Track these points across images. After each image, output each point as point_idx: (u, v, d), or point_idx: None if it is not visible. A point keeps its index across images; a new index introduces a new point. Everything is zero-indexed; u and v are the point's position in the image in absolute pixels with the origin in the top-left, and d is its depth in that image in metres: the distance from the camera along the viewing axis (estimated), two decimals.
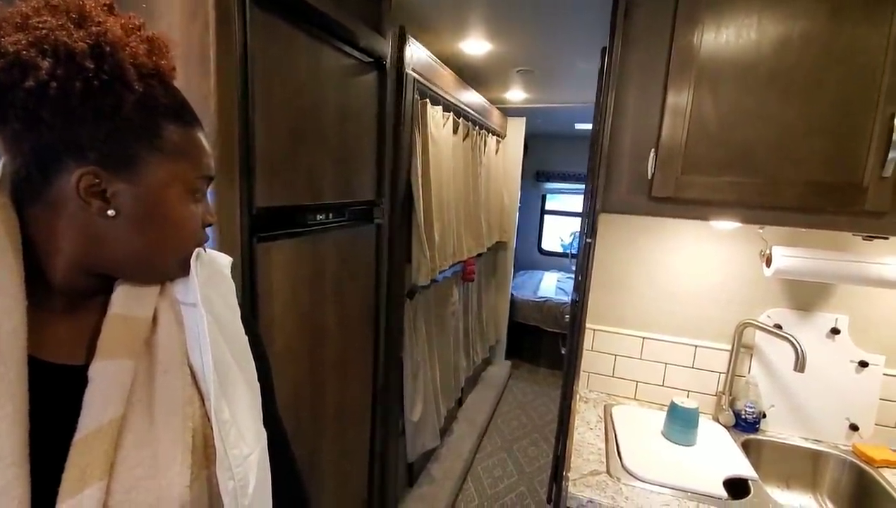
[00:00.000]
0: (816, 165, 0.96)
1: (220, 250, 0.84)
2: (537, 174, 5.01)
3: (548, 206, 5.23)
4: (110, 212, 0.45)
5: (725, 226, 1.27)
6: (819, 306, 1.31)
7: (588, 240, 1.37)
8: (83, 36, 0.41)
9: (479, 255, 2.91)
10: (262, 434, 0.55)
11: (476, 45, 1.99)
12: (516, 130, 3.52)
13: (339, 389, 1.32)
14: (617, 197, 1.10)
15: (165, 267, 0.51)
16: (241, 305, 0.59)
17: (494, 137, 3.14)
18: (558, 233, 5.25)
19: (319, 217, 1.13)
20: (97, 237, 0.46)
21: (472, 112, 2.46)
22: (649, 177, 1.06)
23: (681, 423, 1.23)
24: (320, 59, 1.08)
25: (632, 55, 1.06)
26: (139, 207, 0.46)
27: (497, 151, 3.27)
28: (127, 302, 0.49)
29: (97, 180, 0.44)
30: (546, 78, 2.57)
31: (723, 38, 0.98)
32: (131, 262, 0.48)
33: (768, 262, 1.23)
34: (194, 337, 0.50)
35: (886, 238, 1.09)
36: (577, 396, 1.42)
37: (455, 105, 2.18)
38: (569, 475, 1.05)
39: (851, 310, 1.29)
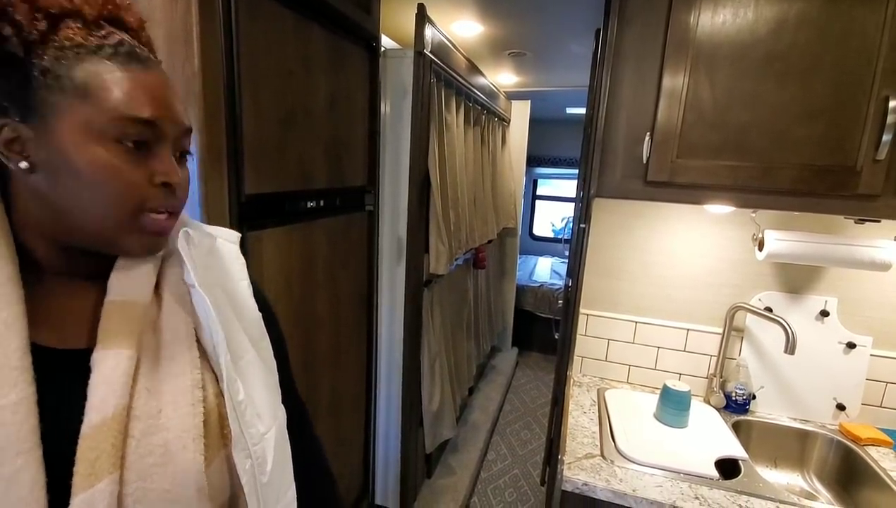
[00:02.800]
0: (811, 148, 0.96)
1: None
2: (528, 159, 4.98)
3: (539, 191, 5.22)
4: (23, 165, 0.41)
5: (719, 210, 1.27)
6: (809, 289, 1.33)
7: (582, 226, 1.37)
8: None
9: (489, 242, 2.90)
10: (280, 410, 0.55)
11: (467, 27, 1.95)
12: (520, 114, 3.49)
13: (333, 378, 1.31)
14: (612, 181, 1.09)
15: (102, 231, 0.44)
16: (253, 281, 0.57)
17: (501, 122, 3.11)
18: (549, 218, 5.26)
19: (310, 204, 1.10)
20: (38, 200, 0.43)
21: (482, 96, 2.42)
22: (644, 161, 1.05)
23: (673, 406, 1.24)
24: (309, 39, 1.04)
25: (627, 36, 1.04)
26: (50, 158, 0.41)
27: (503, 136, 3.25)
28: (122, 286, 0.46)
29: (14, 134, 0.41)
30: (538, 61, 2.54)
31: (719, 18, 0.97)
32: (71, 227, 0.44)
33: (761, 246, 1.24)
34: (204, 318, 0.49)
35: (878, 221, 1.10)
36: (571, 380, 1.43)
37: (467, 89, 2.14)
38: (564, 458, 1.05)
39: (840, 293, 1.30)
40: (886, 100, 0.90)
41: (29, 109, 0.41)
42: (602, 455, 1.10)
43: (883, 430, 1.26)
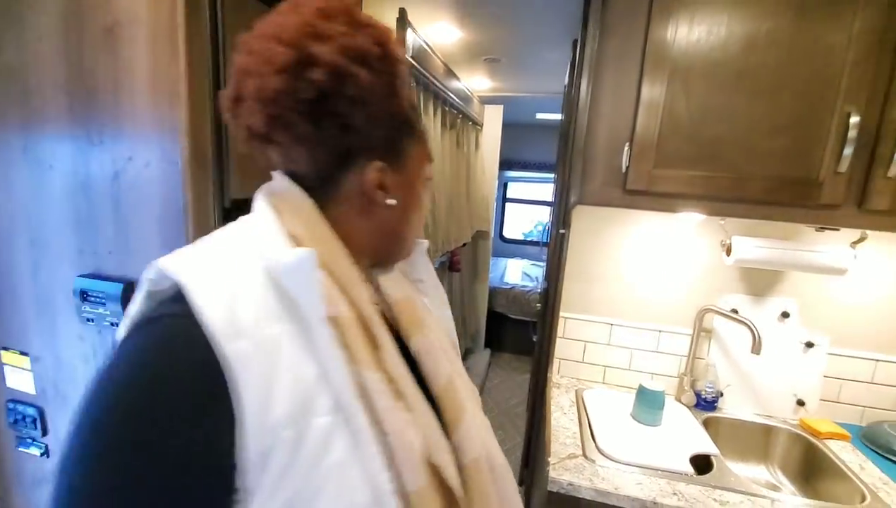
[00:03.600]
0: (779, 161, 1.02)
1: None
2: (499, 162, 5.05)
3: (509, 194, 5.29)
4: (391, 202, 0.50)
5: (691, 217, 1.33)
6: (771, 292, 1.41)
7: (561, 231, 1.40)
8: (367, 39, 0.43)
9: (464, 245, 2.91)
10: None
11: (446, 31, 1.96)
12: (493, 119, 3.53)
13: None
14: (592, 189, 1.12)
15: (410, 246, 0.57)
16: None
17: (475, 126, 3.14)
18: (519, 220, 5.34)
19: None
20: (376, 225, 0.51)
21: (457, 100, 2.43)
22: (624, 170, 1.09)
23: (648, 405, 1.29)
24: None
25: (608, 49, 1.08)
26: (406, 192, 0.52)
27: (477, 140, 3.27)
28: (396, 287, 0.57)
29: (384, 176, 0.49)
30: (512, 67, 2.58)
31: (694, 35, 1.02)
32: (392, 245, 0.55)
33: (729, 252, 1.30)
34: (435, 307, 0.64)
35: (837, 229, 1.18)
36: (551, 383, 1.46)
37: (444, 93, 2.15)
38: (550, 459, 1.08)
39: (800, 295, 1.39)
40: (848, 116, 0.96)
41: (398, 155, 0.50)
42: (584, 454, 1.13)
43: (840, 424, 1.34)
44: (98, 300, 0.84)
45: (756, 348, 1.22)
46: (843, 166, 0.98)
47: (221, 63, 0.80)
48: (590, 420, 1.29)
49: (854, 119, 0.96)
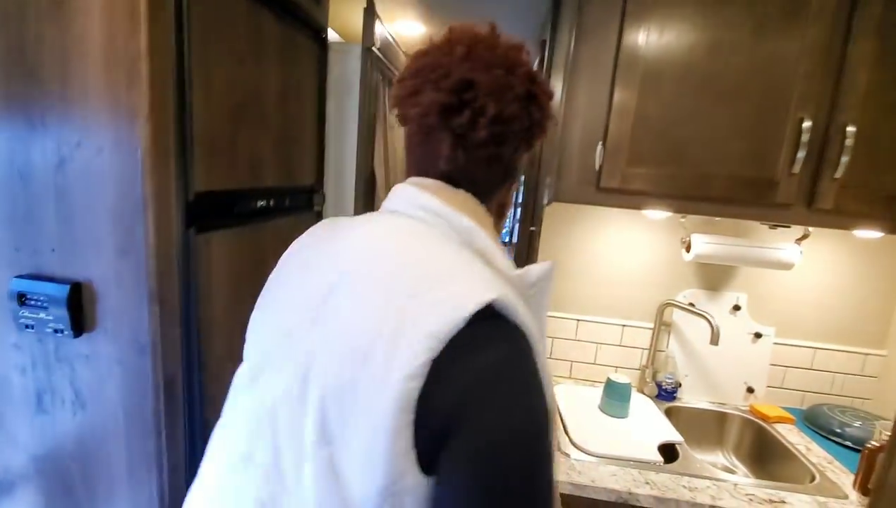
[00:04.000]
0: (739, 162, 1.07)
1: (154, 244, 0.72)
2: None
3: None
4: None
5: (656, 215, 1.38)
6: (724, 286, 1.49)
7: (532, 229, 1.41)
8: (524, 80, 0.55)
9: None
10: None
11: (410, 27, 1.93)
12: None
13: None
14: (567, 187, 1.14)
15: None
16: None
17: None
18: None
19: (260, 203, 1.02)
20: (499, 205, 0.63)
21: None
22: (597, 169, 1.11)
23: (616, 398, 1.32)
24: (260, 25, 0.96)
25: (582, 51, 1.09)
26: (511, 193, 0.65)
27: None
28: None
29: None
30: None
31: (664, 40, 1.05)
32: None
33: (688, 248, 1.36)
34: None
35: (789, 226, 1.26)
36: None
37: None
38: None
39: (749, 289, 1.48)
40: (801, 122, 1.03)
41: (515, 173, 0.63)
42: (559, 449, 1.14)
43: (785, 409, 1.45)
44: (39, 304, 0.75)
45: (714, 339, 1.28)
46: (797, 168, 1.05)
47: (186, 41, 0.73)
48: (561, 415, 1.31)
49: (806, 123, 1.03)
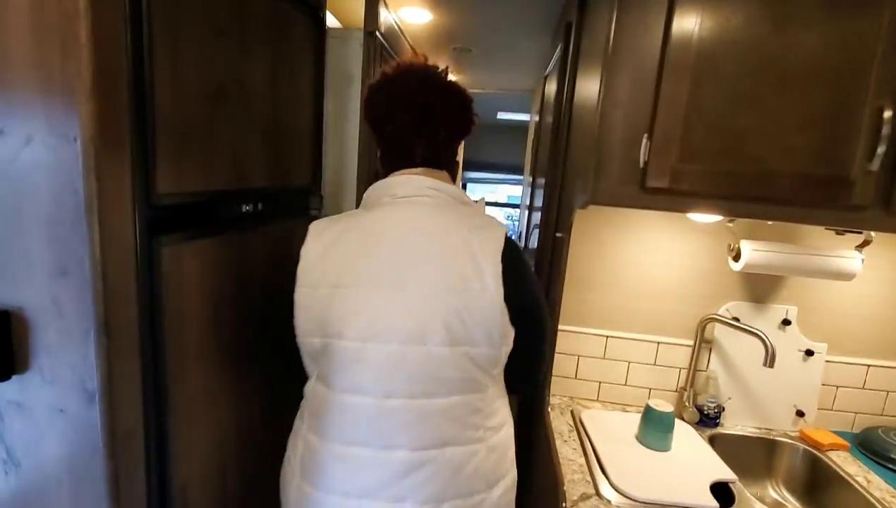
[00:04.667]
0: (807, 157, 0.92)
1: (103, 260, 0.56)
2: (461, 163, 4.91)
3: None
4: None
5: (701, 219, 1.22)
6: (771, 298, 1.33)
7: (559, 235, 1.25)
8: (460, 95, 0.85)
9: None
10: None
11: (415, 14, 1.77)
12: None
13: (274, 431, 1.05)
14: (607, 188, 0.98)
15: None
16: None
17: None
18: None
19: (246, 207, 0.85)
20: None
21: None
22: (642, 165, 0.95)
23: (657, 428, 1.16)
24: None
25: (624, 31, 0.93)
26: None
27: None
28: None
29: None
30: (481, 59, 2.43)
31: (721, 15, 0.89)
32: None
33: (737, 257, 1.21)
34: None
35: (860, 232, 1.10)
36: (548, 407, 1.30)
37: None
38: (565, 505, 0.91)
39: (800, 301, 1.32)
40: (881, 112, 0.88)
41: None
42: (598, 493, 0.98)
43: (835, 433, 1.29)
44: None
45: (770, 361, 1.12)
46: (875, 165, 0.89)
47: None
48: (595, 448, 1.14)
49: (887, 113, 0.87)
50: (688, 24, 0.89)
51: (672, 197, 0.96)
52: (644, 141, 0.94)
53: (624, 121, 0.96)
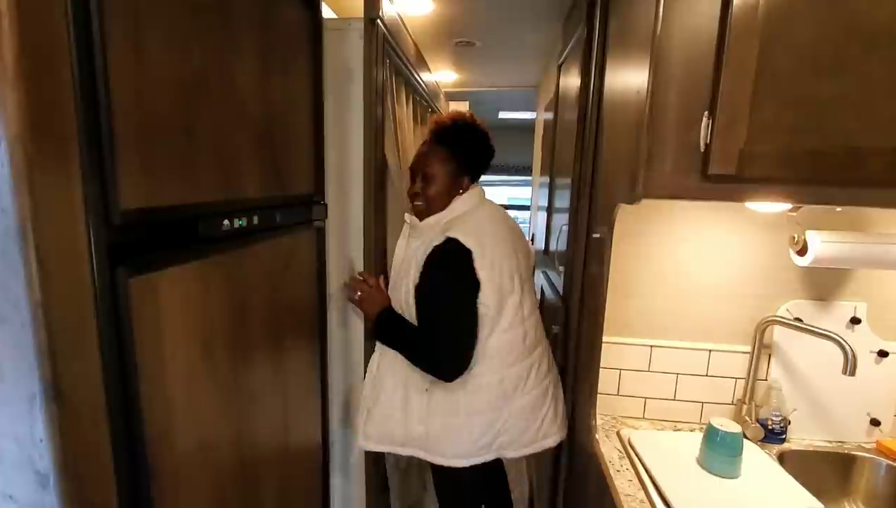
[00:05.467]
0: None
1: (46, 302, 0.42)
2: None
3: None
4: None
5: (762, 209, 1.07)
6: (836, 295, 1.18)
7: (596, 235, 1.11)
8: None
9: None
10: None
11: (418, 4, 1.64)
12: None
13: (281, 468, 0.91)
14: (660, 177, 0.83)
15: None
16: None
17: None
18: None
19: (239, 222, 0.71)
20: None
21: (425, 92, 2.08)
22: (703, 149, 0.80)
23: (723, 452, 1.01)
24: None
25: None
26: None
27: None
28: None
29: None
30: (485, 54, 2.30)
31: None
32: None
33: (803, 251, 1.06)
34: None
35: None
36: (595, 431, 1.15)
37: (415, 80, 1.80)
38: None
39: (869, 297, 1.17)
40: None
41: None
42: None
43: None
44: None
45: (850, 368, 0.98)
46: None
47: None
48: (654, 478, 0.99)
49: None
50: None
51: (740, 184, 0.81)
52: (704, 121, 0.80)
53: (678, 100, 0.81)
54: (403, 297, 1.19)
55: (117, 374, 0.50)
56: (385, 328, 1.20)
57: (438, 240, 1.13)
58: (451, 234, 1.12)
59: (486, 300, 1.14)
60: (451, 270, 1.13)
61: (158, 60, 0.53)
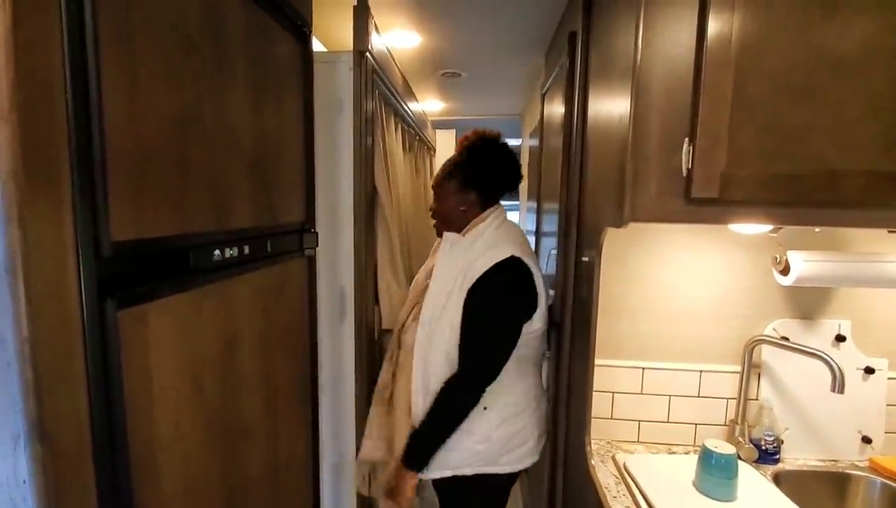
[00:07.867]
0: (875, 152, 0.80)
1: (32, 338, 0.41)
2: None
3: None
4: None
5: (745, 230, 1.10)
6: (821, 313, 1.21)
7: (585, 258, 1.12)
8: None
9: None
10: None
11: (404, 38, 1.68)
12: (445, 144, 3.28)
13: (273, 500, 0.88)
14: (645, 202, 0.85)
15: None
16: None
17: (429, 151, 2.85)
18: None
19: (230, 252, 0.71)
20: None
21: (413, 121, 2.12)
22: (685, 173, 0.83)
23: (719, 474, 1.00)
24: (216, 4, 0.68)
25: (654, 27, 0.83)
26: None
27: (431, 166, 2.98)
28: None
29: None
30: (470, 84, 2.36)
31: (763, 4, 0.79)
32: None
33: (785, 270, 1.08)
34: None
35: None
36: (591, 457, 1.13)
37: (403, 109, 1.83)
38: None
39: (853, 314, 1.19)
40: None
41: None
42: None
43: None
44: None
45: (839, 386, 0.99)
46: None
47: None
48: (651, 504, 0.98)
49: None
50: (724, 14, 0.79)
51: (722, 207, 0.84)
52: (685, 146, 0.83)
53: (660, 127, 0.84)
54: (448, 316, 1.15)
55: (104, 411, 0.48)
56: (422, 443, 1.16)
57: (492, 258, 1.13)
58: (511, 253, 1.13)
59: (538, 323, 1.19)
60: (514, 290, 1.15)
61: (152, 94, 0.54)
